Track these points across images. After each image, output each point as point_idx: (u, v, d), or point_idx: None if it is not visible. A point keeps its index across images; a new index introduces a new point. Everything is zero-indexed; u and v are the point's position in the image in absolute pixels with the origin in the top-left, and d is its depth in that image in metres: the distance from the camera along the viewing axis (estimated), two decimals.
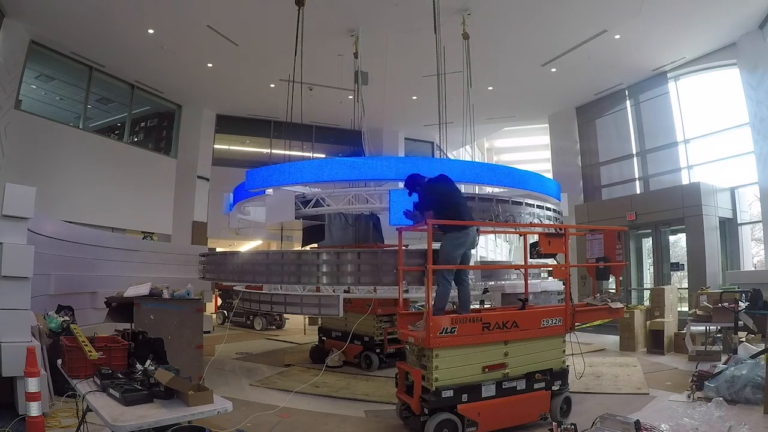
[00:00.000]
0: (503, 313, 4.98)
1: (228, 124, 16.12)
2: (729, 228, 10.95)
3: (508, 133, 22.34)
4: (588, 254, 6.48)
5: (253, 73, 12.48)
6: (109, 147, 12.79)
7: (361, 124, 10.74)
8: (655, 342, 8.64)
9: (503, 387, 4.59)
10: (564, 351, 5.14)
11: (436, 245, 4.98)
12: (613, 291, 6.22)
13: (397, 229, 5.31)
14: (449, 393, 4.30)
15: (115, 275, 8.89)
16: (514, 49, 11.12)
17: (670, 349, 8.54)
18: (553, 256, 5.48)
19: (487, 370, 4.54)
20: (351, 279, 5.92)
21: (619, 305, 5.75)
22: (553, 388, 4.86)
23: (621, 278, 6.83)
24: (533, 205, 7.26)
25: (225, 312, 13.60)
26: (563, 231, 5.52)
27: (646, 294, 11.11)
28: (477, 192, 7.81)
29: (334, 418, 5.10)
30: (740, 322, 6.88)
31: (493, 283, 6.55)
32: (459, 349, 4.44)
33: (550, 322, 4.92)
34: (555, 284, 7.00)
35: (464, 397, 4.36)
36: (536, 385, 4.75)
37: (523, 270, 5.89)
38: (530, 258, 5.70)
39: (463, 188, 6.90)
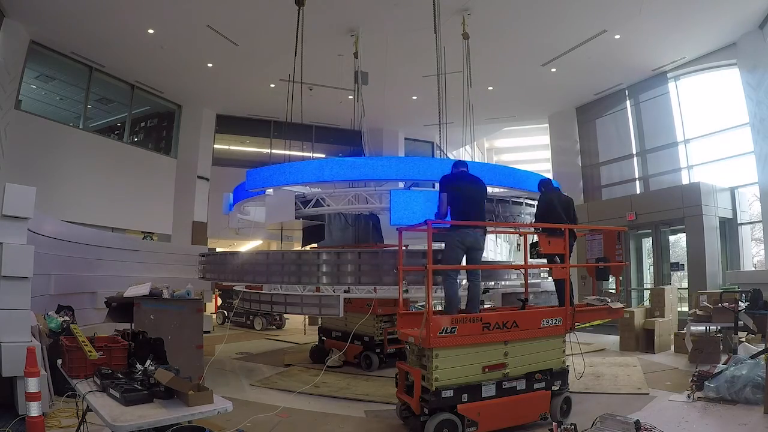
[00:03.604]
0: (503, 313, 4.98)
1: (228, 124, 16.12)
2: (729, 228, 10.96)
3: (508, 133, 22.34)
4: (588, 254, 6.48)
5: (253, 73, 12.48)
6: (109, 147, 12.79)
7: (361, 124, 10.74)
8: (647, 341, 8.64)
9: (503, 387, 4.58)
10: (564, 351, 5.14)
11: (437, 245, 4.99)
12: (613, 291, 6.22)
13: (397, 229, 5.31)
14: (449, 393, 4.30)
15: (115, 275, 8.89)
16: (514, 49, 11.12)
17: (662, 349, 8.54)
18: (553, 256, 5.47)
19: (487, 370, 4.53)
20: (351, 279, 5.93)
21: (619, 305, 5.75)
22: (553, 388, 4.86)
23: (621, 278, 6.82)
24: (533, 205, 7.27)
25: (225, 312, 13.60)
26: (563, 231, 5.51)
27: (646, 294, 11.11)
28: None
29: (334, 418, 5.10)
30: (740, 322, 6.88)
31: (492, 283, 6.55)
32: (459, 349, 4.43)
33: (549, 322, 4.91)
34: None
35: (464, 397, 4.36)
36: (536, 385, 4.75)
37: (523, 270, 5.90)
38: (530, 258, 5.70)
39: None
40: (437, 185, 6.91)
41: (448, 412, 4.29)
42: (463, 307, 5.22)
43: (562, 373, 5.00)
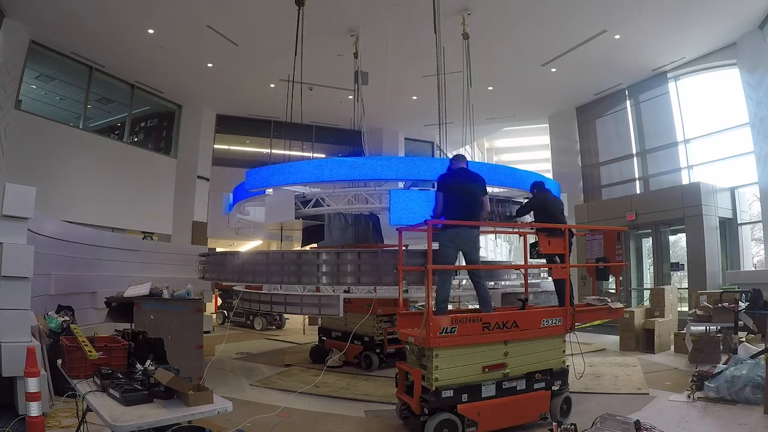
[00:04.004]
0: (503, 313, 4.98)
1: (228, 124, 16.12)
2: (729, 228, 10.96)
3: (508, 133, 22.34)
4: (587, 254, 6.49)
5: (253, 73, 12.48)
6: (109, 147, 12.79)
7: (361, 124, 10.74)
8: (647, 341, 8.69)
9: (503, 387, 4.58)
10: (564, 351, 5.14)
11: (436, 245, 4.99)
12: (613, 291, 6.22)
13: (397, 229, 5.31)
14: (449, 393, 4.30)
15: (115, 275, 8.89)
16: (514, 49, 11.12)
17: (662, 349, 8.56)
18: (553, 256, 5.46)
19: (487, 370, 4.52)
20: (351, 279, 5.92)
21: (619, 305, 5.77)
22: (553, 388, 4.86)
23: (621, 278, 6.82)
24: None
25: (225, 312, 13.60)
26: (563, 231, 5.52)
27: (646, 294, 11.12)
28: None
29: (334, 418, 5.10)
30: (740, 322, 6.88)
31: (492, 283, 6.55)
32: (459, 349, 4.43)
33: (550, 322, 4.91)
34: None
35: (464, 397, 4.36)
36: (536, 385, 4.75)
37: (523, 270, 5.90)
38: (530, 258, 5.70)
39: None
40: (437, 185, 6.92)
41: (448, 412, 4.29)
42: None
43: (562, 373, 5.00)
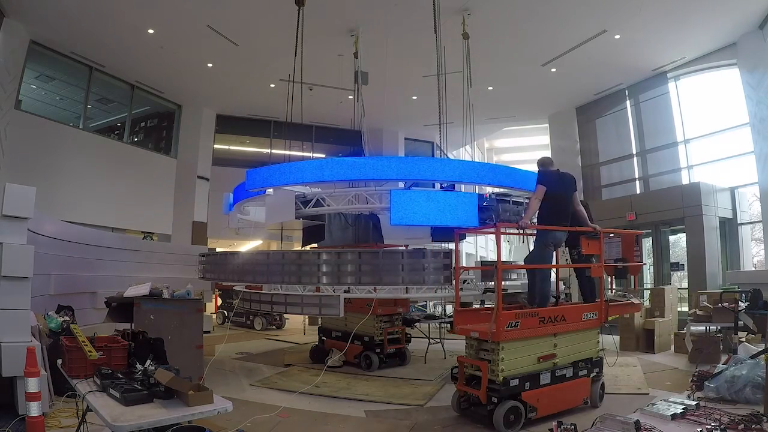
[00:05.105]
0: (554, 308, 5.34)
1: (228, 124, 16.10)
2: (729, 228, 10.96)
3: (508, 133, 22.37)
4: (605, 255, 6.64)
5: (253, 73, 12.47)
6: (109, 147, 12.78)
7: (361, 124, 10.74)
8: (647, 341, 8.73)
9: (556, 375, 4.98)
10: (598, 342, 5.56)
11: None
12: (620, 289, 6.44)
13: (457, 231, 5.56)
14: (516, 382, 4.67)
15: (115, 275, 8.89)
16: (514, 49, 11.11)
17: (662, 349, 8.56)
18: (590, 256, 5.86)
19: (541, 360, 4.92)
20: (351, 279, 5.93)
21: (637, 301, 6.31)
22: (592, 375, 5.26)
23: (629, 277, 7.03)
24: None
25: (225, 312, 13.61)
26: (598, 233, 5.78)
27: (646, 294, 11.11)
28: (477, 192, 7.80)
29: (334, 418, 5.10)
30: (740, 322, 6.89)
31: (492, 283, 6.56)
32: (520, 341, 4.80)
33: (589, 315, 5.40)
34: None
35: (527, 385, 4.74)
36: (580, 373, 5.20)
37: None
38: (570, 258, 6.14)
39: (463, 188, 6.93)
40: (437, 185, 6.94)
41: (514, 399, 4.61)
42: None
43: (598, 362, 5.46)
